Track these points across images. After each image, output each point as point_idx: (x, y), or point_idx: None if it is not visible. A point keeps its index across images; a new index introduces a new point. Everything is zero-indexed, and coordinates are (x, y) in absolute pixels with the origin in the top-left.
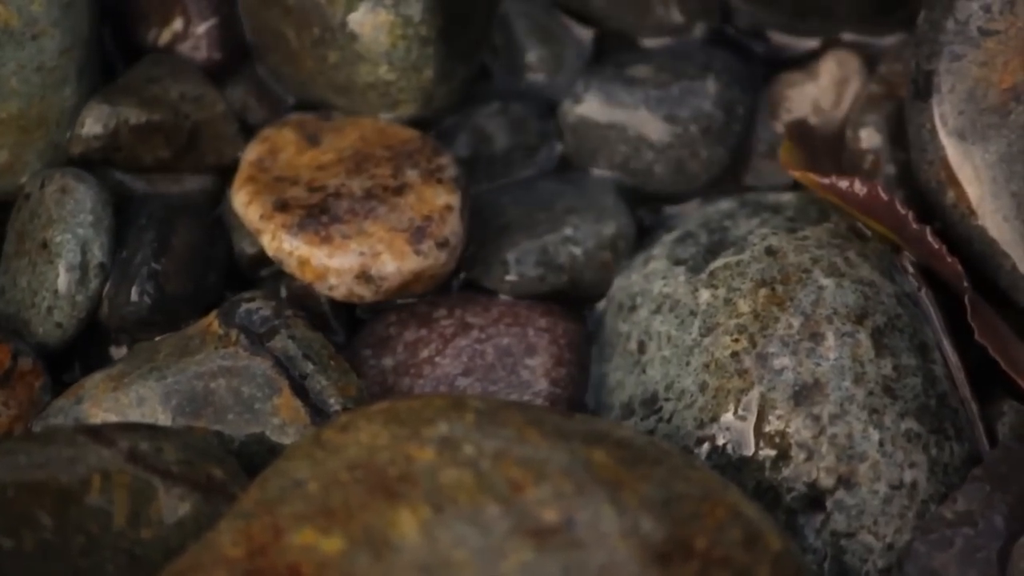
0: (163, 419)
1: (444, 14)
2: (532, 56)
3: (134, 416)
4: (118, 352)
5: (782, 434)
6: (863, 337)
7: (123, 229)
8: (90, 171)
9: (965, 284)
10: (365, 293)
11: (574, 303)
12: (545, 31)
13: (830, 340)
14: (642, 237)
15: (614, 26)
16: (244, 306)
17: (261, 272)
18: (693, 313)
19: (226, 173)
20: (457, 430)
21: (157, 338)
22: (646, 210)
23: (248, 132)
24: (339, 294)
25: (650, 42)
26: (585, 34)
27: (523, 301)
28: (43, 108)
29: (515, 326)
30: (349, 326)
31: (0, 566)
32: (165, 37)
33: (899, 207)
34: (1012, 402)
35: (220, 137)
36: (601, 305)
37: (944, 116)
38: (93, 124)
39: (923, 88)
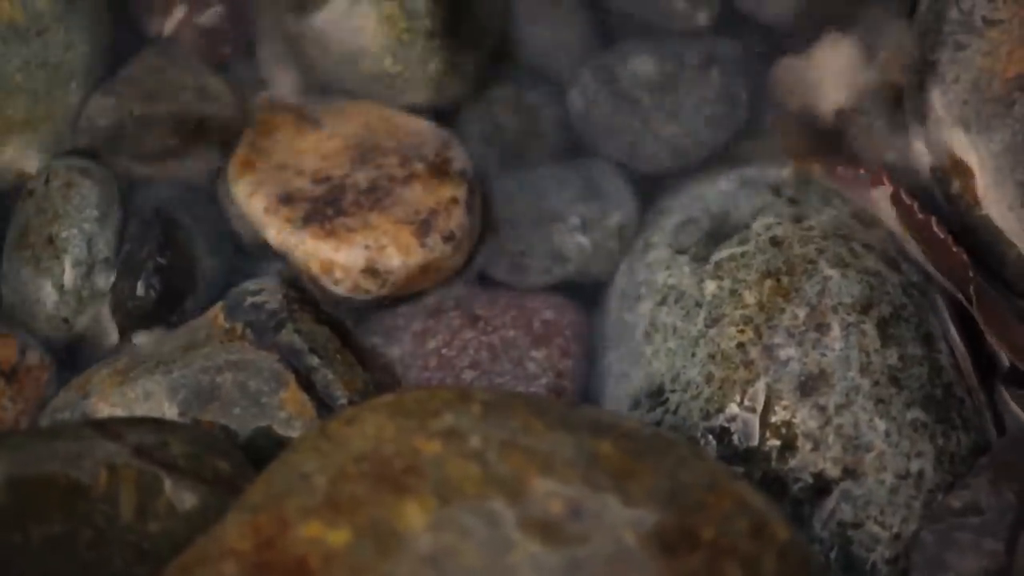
0: (169, 413)
1: (448, 4)
2: (539, 42)
3: (140, 410)
4: (124, 346)
5: (788, 424)
6: (869, 327)
7: (127, 220)
8: (95, 161)
9: (970, 274)
10: (371, 287)
11: (581, 293)
12: (552, 16)
13: (836, 331)
14: (644, 220)
15: (621, 11)
16: (250, 299)
17: (264, 260)
18: (699, 304)
19: (228, 153)
20: (463, 422)
21: (162, 331)
22: (649, 194)
23: (250, 115)
24: (345, 288)
25: (655, 29)
26: (592, 19)
27: (530, 293)
28: (49, 104)
29: (521, 318)
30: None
31: (8, 560)
32: (169, 26)
33: (904, 196)
34: (1018, 391)
35: (225, 126)
36: (607, 295)
37: (949, 106)
38: (97, 117)
39: (926, 77)
